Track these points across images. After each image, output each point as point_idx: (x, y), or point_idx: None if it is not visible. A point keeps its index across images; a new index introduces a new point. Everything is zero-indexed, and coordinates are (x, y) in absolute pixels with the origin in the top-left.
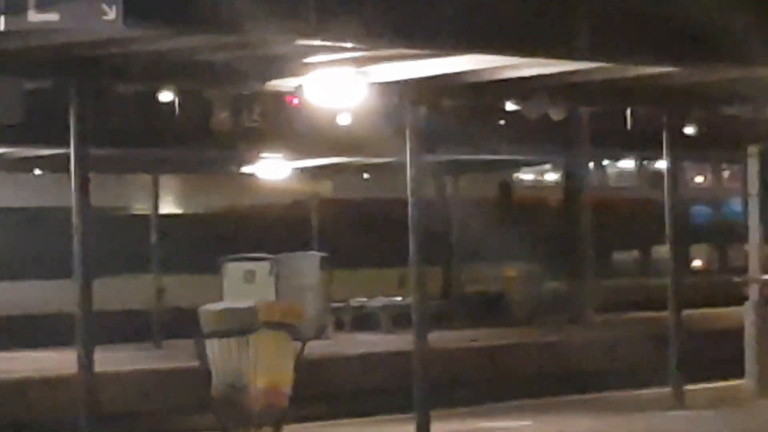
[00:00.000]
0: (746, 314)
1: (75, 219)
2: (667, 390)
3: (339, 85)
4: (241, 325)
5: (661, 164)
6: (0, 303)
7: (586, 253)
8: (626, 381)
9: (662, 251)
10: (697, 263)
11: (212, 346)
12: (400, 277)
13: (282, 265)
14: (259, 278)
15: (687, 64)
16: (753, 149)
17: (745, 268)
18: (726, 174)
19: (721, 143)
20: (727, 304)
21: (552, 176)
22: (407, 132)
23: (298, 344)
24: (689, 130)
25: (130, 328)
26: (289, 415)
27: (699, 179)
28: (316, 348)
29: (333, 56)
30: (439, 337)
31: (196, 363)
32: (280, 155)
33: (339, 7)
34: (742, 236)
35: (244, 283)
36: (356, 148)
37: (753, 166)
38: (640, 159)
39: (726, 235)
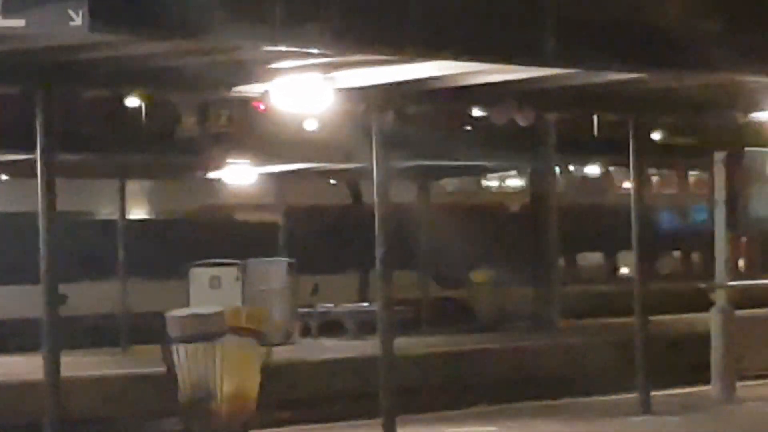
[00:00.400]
0: (712, 320)
1: (41, 224)
2: (633, 396)
3: (305, 90)
4: (207, 331)
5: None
6: None
7: (553, 259)
8: (593, 387)
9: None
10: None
11: (179, 352)
12: (315, 284)
13: (249, 271)
14: (226, 284)
15: (654, 70)
16: (719, 156)
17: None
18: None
19: (687, 150)
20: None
21: (517, 182)
22: (373, 138)
23: (265, 350)
24: (656, 136)
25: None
26: (255, 420)
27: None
28: (282, 353)
29: (299, 62)
30: (405, 343)
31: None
32: (246, 161)
33: (305, 12)
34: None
35: (210, 289)
36: (323, 154)
37: (719, 173)
38: (605, 165)
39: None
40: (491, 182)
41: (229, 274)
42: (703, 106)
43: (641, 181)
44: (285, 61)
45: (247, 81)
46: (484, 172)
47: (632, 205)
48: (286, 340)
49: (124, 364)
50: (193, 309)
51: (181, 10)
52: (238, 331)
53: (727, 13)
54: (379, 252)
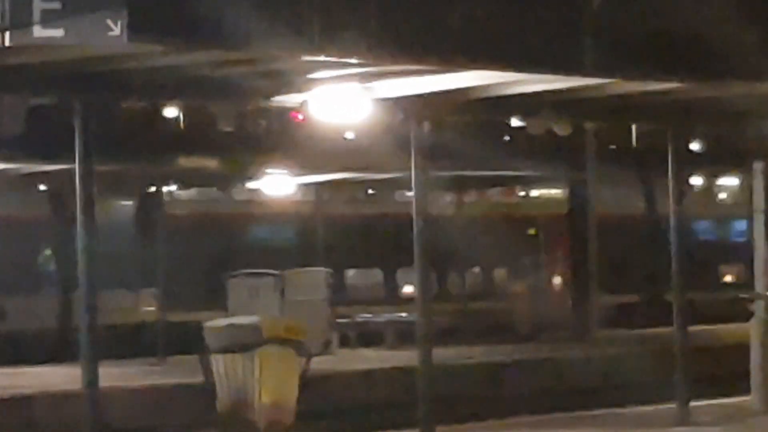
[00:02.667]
0: (752, 331)
1: (80, 235)
2: (672, 406)
3: (343, 100)
4: (245, 341)
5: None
6: None
7: (592, 270)
8: (632, 397)
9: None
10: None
11: (217, 362)
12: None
13: (287, 281)
14: (264, 294)
15: (692, 79)
16: (759, 165)
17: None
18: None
19: (726, 159)
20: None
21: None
22: (412, 148)
23: (303, 360)
24: (695, 146)
25: None
26: (294, 430)
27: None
28: (321, 363)
29: (337, 72)
30: (444, 354)
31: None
32: (284, 170)
33: (343, 22)
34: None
35: (248, 299)
36: (361, 164)
37: (759, 183)
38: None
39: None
40: (531, 192)
41: (267, 284)
42: (742, 116)
43: (680, 190)
44: (323, 71)
45: (286, 91)
46: (523, 182)
47: (671, 215)
48: (325, 350)
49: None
50: (231, 319)
51: (219, 21)
52: (277, 341)
53: (766, 22)
54: (418, 262)
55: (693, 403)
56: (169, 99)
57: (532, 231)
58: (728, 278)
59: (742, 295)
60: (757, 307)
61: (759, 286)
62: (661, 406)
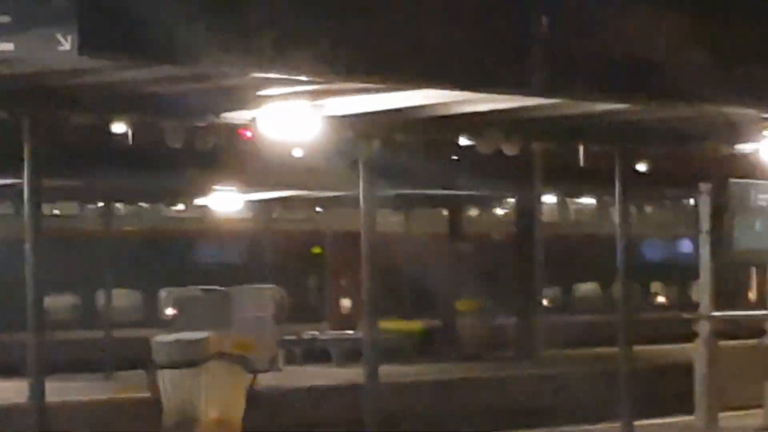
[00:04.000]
0: (696, 350)
1: (27, 247)
2: (617, 425)
3: (293, 118)
4: (192, 356)
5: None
6: None
7: (537, 289)
8: (577, 417)
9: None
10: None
11: (164, 377)
12: None
13: (234, 297)
14: (211, 310)
15: (639, 101)
16: (705, 186)
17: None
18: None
19: (673, 181)
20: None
21: (503, 211)
22: (360, 166)
23: (249, 376)
24: (642, 167)
25: None
26: None
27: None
28: (267, 380)
29: (287, 89)
30: (389, 371)
31: None
32: (233, 188)
33: (294, 40)
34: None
35: (195, 315)
36: (310, 182)
37: (704, 204)
38: (593, 195)
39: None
40: (477, 211)
41: (214, 300)
42: (689, 138)
43: (627, 210)
44: (273, 88)
45: (235, 108)
46: (470, 201)
47: (618, 235)
48: (271, 366)
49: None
50: (179, 335)
51: (169, 37)
52: (224, 357)
53: (714, 46)
54: (366, 280)
55: (637, 422)
56: (119, 114)
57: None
58: (661, 299)
59: (685, 315)
60: (701, 327)
61: (703, 307)
62: (605, 425)
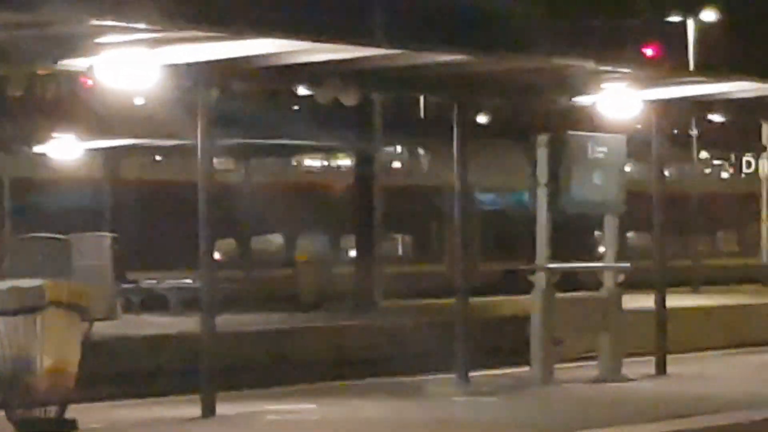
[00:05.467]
0: (533, 303)
1: None
2: (452, 376)
3: (131, 66)
4: (28, 304)
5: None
6: None
7: (376, 239)
8: (414, 366)
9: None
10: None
11: None
12: None
13: (72, 245)
14: (49, 257)
15: (478, 53)
16: (542, 139)
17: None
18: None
19: (512, 132)
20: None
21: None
22: (198, 115)
23: (86, 324)
24: (481, 119)
25: None
26: (75, 395)
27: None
28: (103, 328)
29: (126, 37)
30: (227, 321)
31: None
32: (72, 135)
33: None
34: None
35: (33, 262)
36: (150, 130)
37: (542, 156)
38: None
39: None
40: (319, 162)
41: (52, 247)
42: (528, 90)
43: (465, 163)
44: (111, 35)
45: (73, 55)
46: (309, 151)
47: (456, 187)
48: (109, 315)
49: None
50: (14, 282)
51: None
52: (60, 305)
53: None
54: (202, 231)
55: (473, 373)
56: None
57: None
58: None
59: (522, 267)
60: (538, 278)
61: (540, 259)
62: (440, 376)
